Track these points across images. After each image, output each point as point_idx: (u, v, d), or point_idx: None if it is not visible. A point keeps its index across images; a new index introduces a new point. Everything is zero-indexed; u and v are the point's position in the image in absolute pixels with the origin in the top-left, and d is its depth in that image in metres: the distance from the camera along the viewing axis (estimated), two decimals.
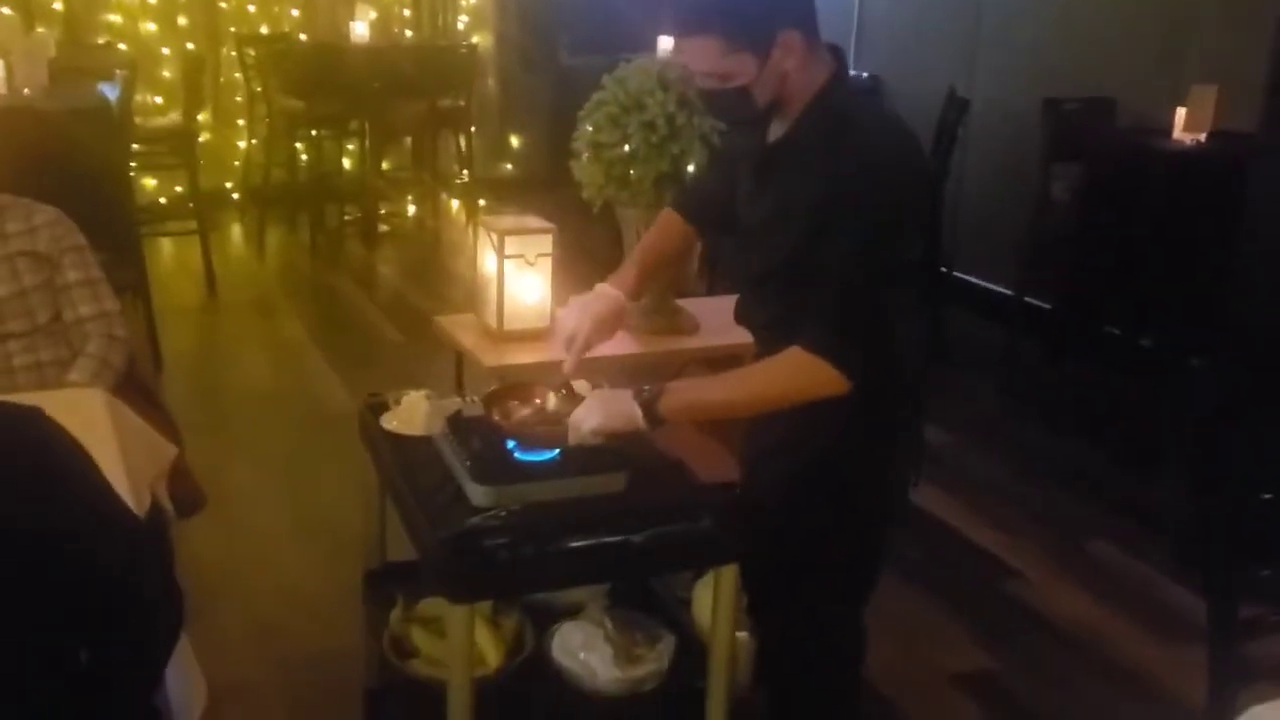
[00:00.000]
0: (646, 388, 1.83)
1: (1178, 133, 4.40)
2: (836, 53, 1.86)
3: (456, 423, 1.92)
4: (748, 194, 1.96)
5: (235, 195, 7.07)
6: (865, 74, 6.13)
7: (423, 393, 2.14)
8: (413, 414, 2.07)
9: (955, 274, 5.65)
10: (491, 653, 1.92)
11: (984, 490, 3.78)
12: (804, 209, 1.78)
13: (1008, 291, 5.29)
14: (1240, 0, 4.42)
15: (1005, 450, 4.13)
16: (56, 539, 1.31)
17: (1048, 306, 4.99)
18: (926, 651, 2.92)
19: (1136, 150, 4.46)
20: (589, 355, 2.04)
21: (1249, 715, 1.32)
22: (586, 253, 3.16)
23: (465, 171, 7.09)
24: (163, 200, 6.46)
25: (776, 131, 1.87)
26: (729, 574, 1.81)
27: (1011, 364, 5.13)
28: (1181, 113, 4.38)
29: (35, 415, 1.40)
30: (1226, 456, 3.30)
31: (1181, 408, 3.92)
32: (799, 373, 1.77)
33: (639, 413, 1.81)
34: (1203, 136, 4.36)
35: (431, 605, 2.03)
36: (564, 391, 1.98)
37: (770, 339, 1.90)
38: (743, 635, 2.01)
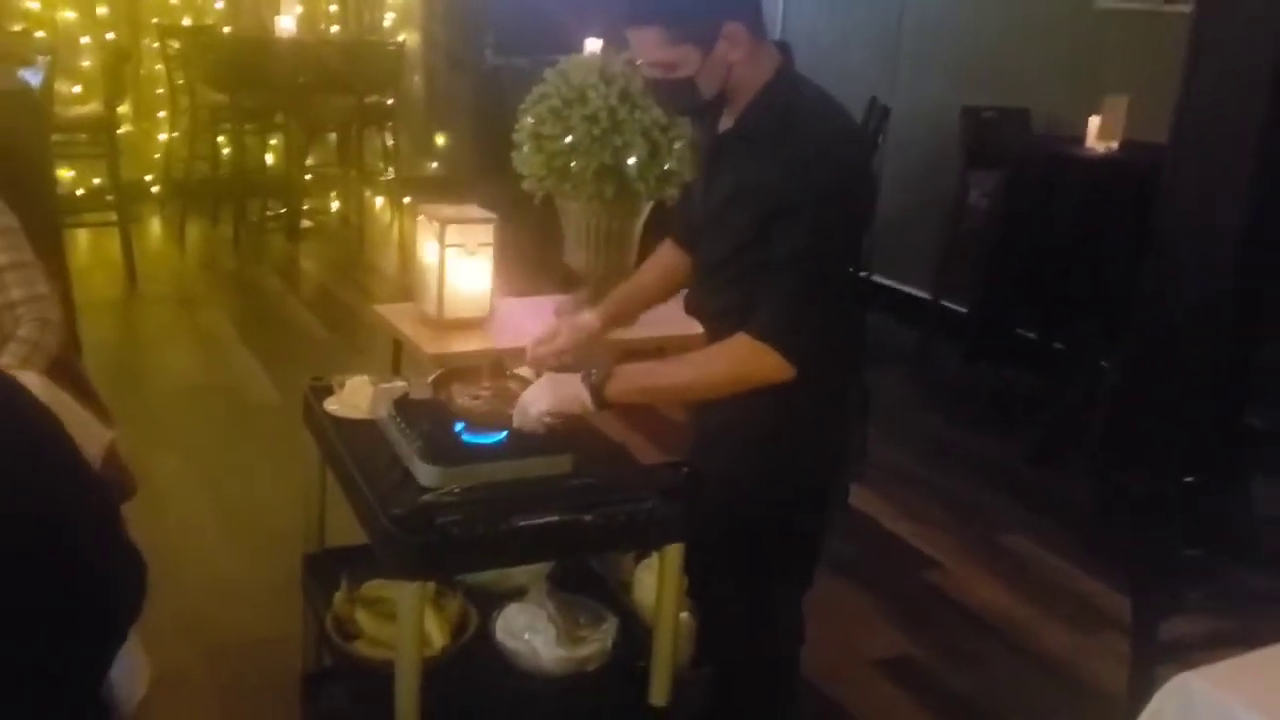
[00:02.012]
0: (594, 371, 1.85)
1: (1091, 141, 4.53)
2: (784, 49, 1.90)
3: (404, 405, 1.93)
4: (703, 184, 1.99)
5: (155, 188, 6.92)
6: None
7: (366, 377, 2.14)
8: (357, 397, 2.07)
9: (874, 278, 5.76)
10: (437, 634, 1.92)
11: (902, 484, 3.86)
12: (754, 196, 1.82)
13: (925, 295, 5.41)
14: (1151, 15, 4.59)
15: (922, 446, 4.23)
16: (40, 504, 1.29)
17: (963, 310, 5.11)
18: (848, 637, 2.98)
19: (1051, 158, 4.57)
20: (524, 345, 2.07)
21: (1178, 681, 1.38)
22: (518, 251, 3.18)
23: (390, 169, 7.04)
24: (80, 191, 6.31)
25: (726, 123, 1.91)
26: (674, 553, 1.83)
27: (927, 364, 5.24)
28: (1095, 122, 4.52)
29: (8, 380, 1.37)
30: (1138, 445, 3.42)
31: (1094, 407, 4.04)
32: (744, 359, 1.81)
33: (587, 396, 1.84)
34: (1115, 145, 4.49)
35: (376, 587, 2.02)
36: (509, 376, 2.01)
37: (720, 329, 1.92)
38: (684, 616, 2.04)
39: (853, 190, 1.84)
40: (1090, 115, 4.55)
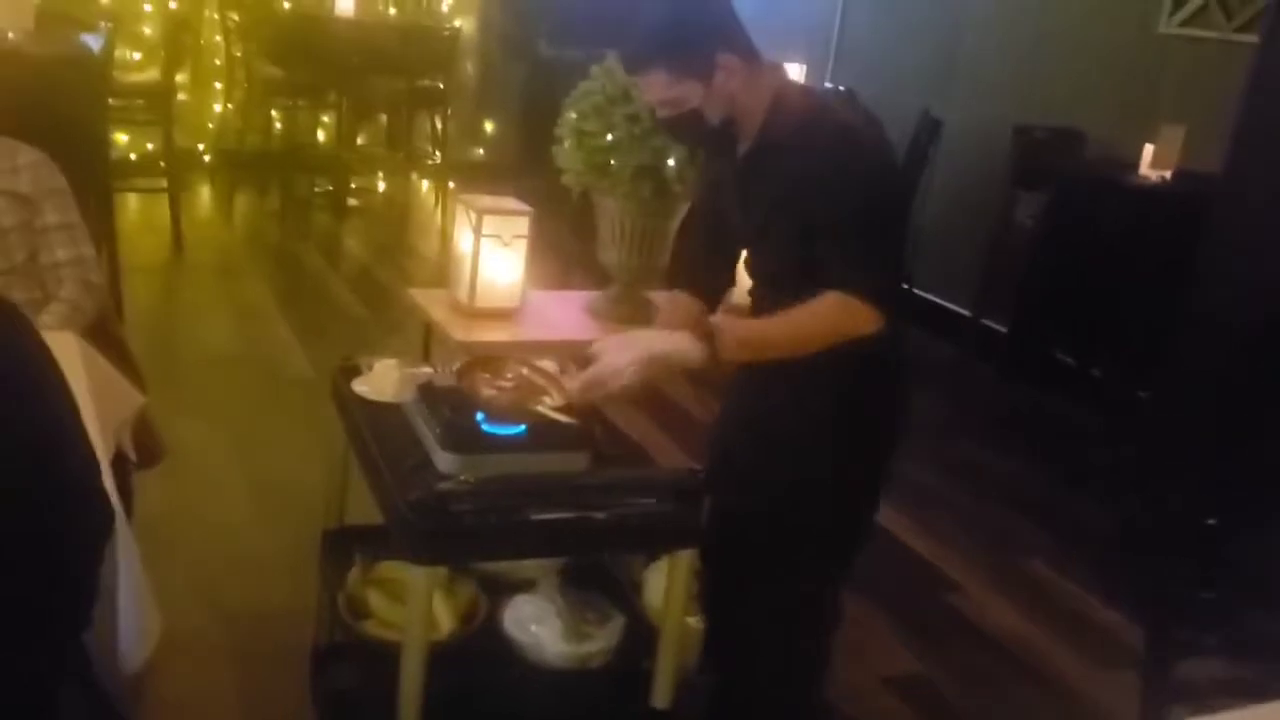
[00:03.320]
0: (703, 325, 1.88)
1: (1144, 169, 4.48)
2: (778, 69, 1.98)
3: (428, 391, 1.95)
4: (739, 211, 2.04)
5: (207, 157, 7.01)
6: (841, 87, 6.19)
7: (394, 361, 2.16)
8: (384, 380, 2.09)
9: (915, 291, 5.73)
10: (446, 619, 1.94)
11: (926, 502, 3.84)
12: (795, 196, 1.87)
13: (965, 312, 5.38)
14: (1217, 43, 4.53)
15: (951, 465, 4.20)
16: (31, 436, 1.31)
17: (1003, 329, 5.07)
18: (862, 654, 2.97)
19: (1102, 182, 4.53)
20: (563, 340, 2.09)
21: None
22: (553, 245, 3.18)
23: (438, 152, 7.09)
24: (133, 156, 6.40)
25: (743, 148, 1.98)
26: (684, 558, 1.85)
27: (963, 382, 5.21)
28: (1149, 149, 4.47)
29: (11, 310, 1.40)
30: (1166, 479, 3.39)
31: (1127, 437, 4.01)
32: (838, 312, 1.83)
33: (698, 350, 1.85)
34: (1168, 174, 4.44)
35: (390, 568, 2.05)
36: (533, 369, 2.03)
37: None
38: (692, 620, 2.05)
39: (885, 157, 1.93)
40: (1146, 142, 4.50)
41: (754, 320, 1.97)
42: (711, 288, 2.20)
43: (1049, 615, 3.27)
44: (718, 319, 1.94)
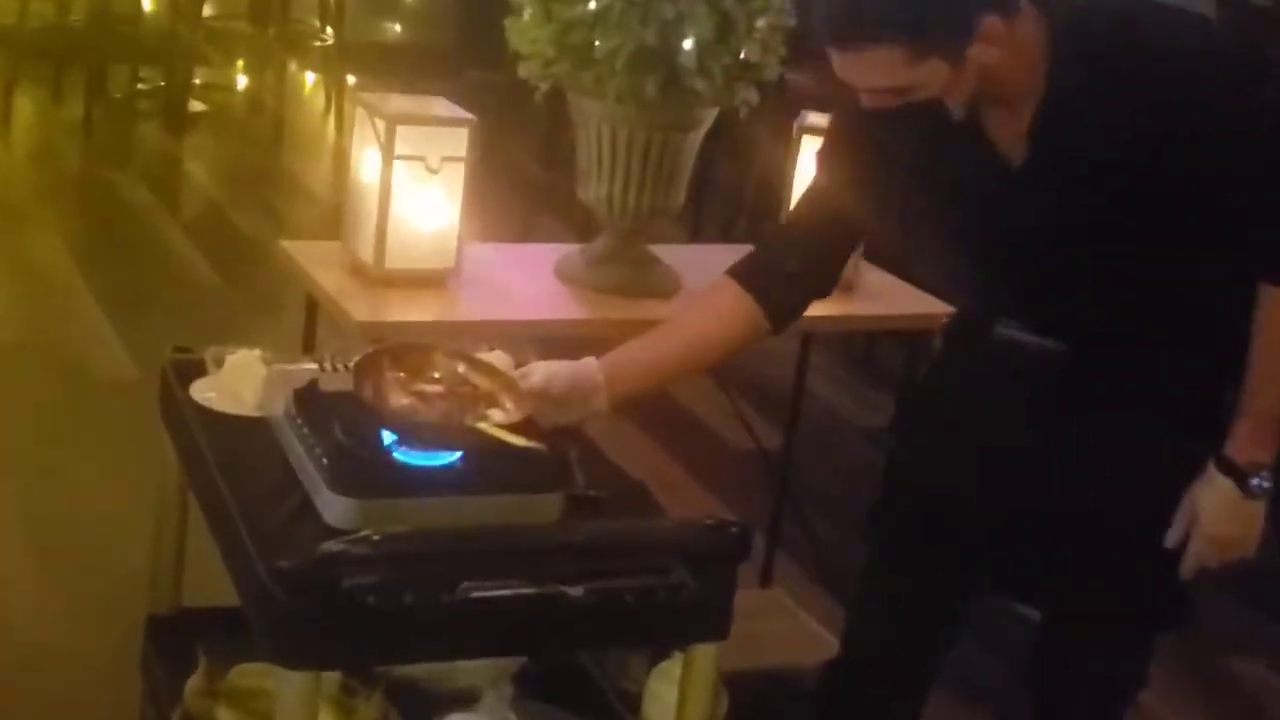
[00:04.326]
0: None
1: None
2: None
3: (309, 400, 1.93)
4: (990, 224, 2.10)
5: None
6: None
7: (256, 353, 2.15)
8: (241, 382, 2.09)
9: None
10: None
11: None
12: (1143, 174, 1.95)
13: None
14: None
15: None
16: None
17: None
18: None
19: None
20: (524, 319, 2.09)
21: None
22: (507, 173, 3.15)
23: (329, 29, 7.08)
24: None
25: (1004, 133, 2.05)
26: (704, 656, 1.84)
27: None
28: None
29: None
30: None
31: None
32: None
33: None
34: None
35: (248, 673, 2.04)
36: (473, 363, 2.03)
37: (1100, 339, 2.10)
38: None
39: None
40: None
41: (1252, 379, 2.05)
42: (790, 301, 2.25)
43: None
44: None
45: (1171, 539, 2.08)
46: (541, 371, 2.08)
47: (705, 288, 2.38)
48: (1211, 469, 2.04)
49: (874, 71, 1.94)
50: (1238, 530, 2.08)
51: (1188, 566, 2.09)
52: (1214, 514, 2.05)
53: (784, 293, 2.24)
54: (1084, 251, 2.06)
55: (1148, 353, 2.08)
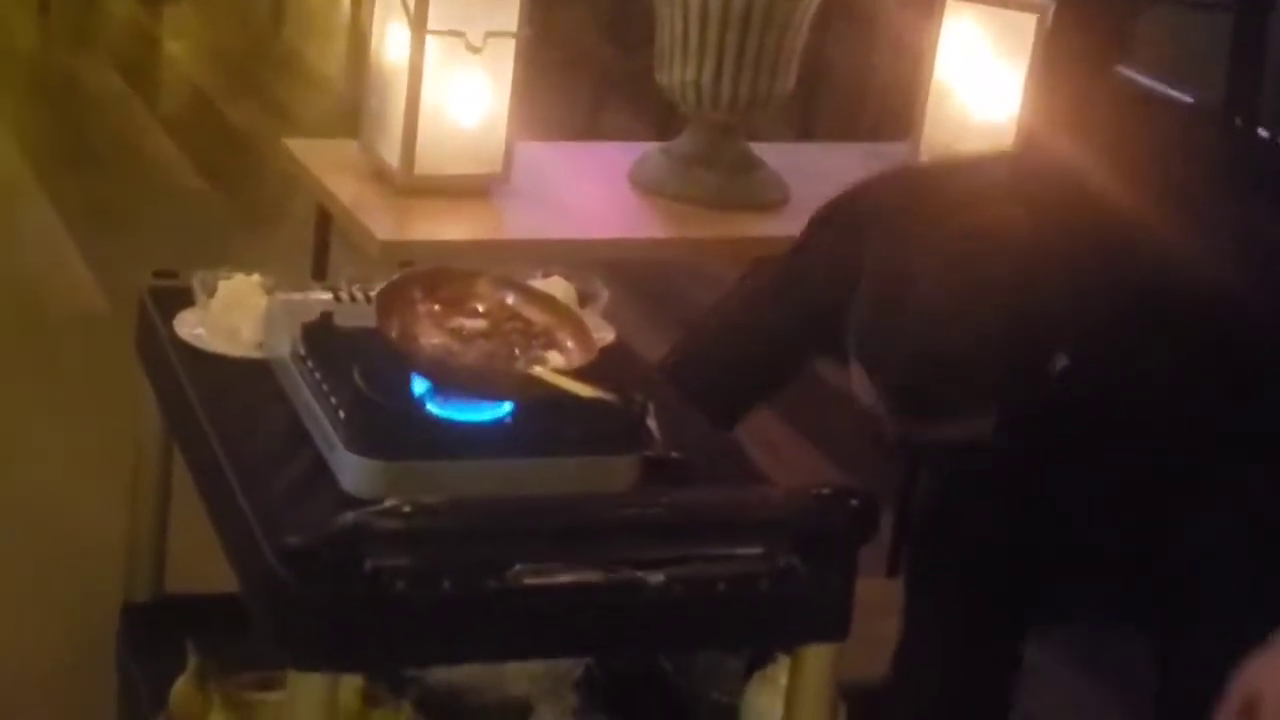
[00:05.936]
0: None
1: None
2: None
3: (321, 337, 1.95)
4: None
5: None
6: None
7: (255, 278, 2.17)
8: (237, 316, 2.10)
9: None
10: None
11: None
12: None
13: None
14: None
15: None
16: None
17: None
18: None
19: None
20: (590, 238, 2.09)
21: None
22: (570, 53, 3.14)
23: None
24: None
25: None
26: (817, 661, 1.84)
27: None
28: None
29: None
30: None
31: None
32: None
33: None
34: None
35: (249, 676, 2.06)
36: (525, 292, 2.03)
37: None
38: None
39: None
40: None
41: None
42: (737, 401, 2.32)
43: None
44: None
45: None
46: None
47: None
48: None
49: None
50: None
51: None
52: None
53: (724, 401, 2.33)
54: None
55: None
